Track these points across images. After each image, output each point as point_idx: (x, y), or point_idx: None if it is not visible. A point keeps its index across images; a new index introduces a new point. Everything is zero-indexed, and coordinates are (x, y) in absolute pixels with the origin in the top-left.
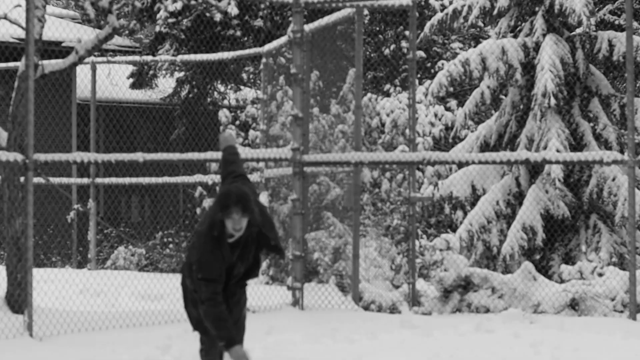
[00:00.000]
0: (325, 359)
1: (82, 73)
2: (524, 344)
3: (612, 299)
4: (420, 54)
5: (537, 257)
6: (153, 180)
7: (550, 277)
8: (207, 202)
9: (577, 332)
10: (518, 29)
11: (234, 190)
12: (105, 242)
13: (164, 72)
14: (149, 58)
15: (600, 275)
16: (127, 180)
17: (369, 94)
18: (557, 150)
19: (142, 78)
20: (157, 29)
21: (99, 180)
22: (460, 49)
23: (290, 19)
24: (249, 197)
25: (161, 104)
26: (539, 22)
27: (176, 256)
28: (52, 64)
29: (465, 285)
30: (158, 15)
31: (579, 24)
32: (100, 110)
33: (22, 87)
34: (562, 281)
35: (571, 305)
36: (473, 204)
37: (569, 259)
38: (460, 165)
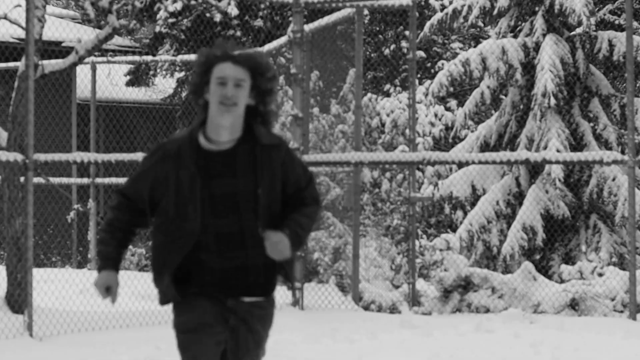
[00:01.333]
0: (325, 359)
1: (82, 73)
2: (524, 344)
3: (612, 299)
4: (420, 54)
5: (537, 257)
6: None
7: (550, 277)
8: None
9: (577, 332)
10: (518, 29)
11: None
12: None
13: (164, 72)
14: (149, 58)
15: (600, 275)
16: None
17: (369, 94)
18: (557, 150)
19: (139, 75)
20: (157, 29)
21: (99, 180)
22: (460, 49)
23: (290, 19)
24: (261, 59)
25: (161, 104)
26: (539, 22)
27: None
28: (52, 64)
29: (465, 285)
30: (158, 15)
31: (579, 23)
32: (100, 110)
33: (22, 87)
34: (562, 281)
35: (571, 305)
36: (473, 204)
37: (569, 259)
38: (460, 165)
